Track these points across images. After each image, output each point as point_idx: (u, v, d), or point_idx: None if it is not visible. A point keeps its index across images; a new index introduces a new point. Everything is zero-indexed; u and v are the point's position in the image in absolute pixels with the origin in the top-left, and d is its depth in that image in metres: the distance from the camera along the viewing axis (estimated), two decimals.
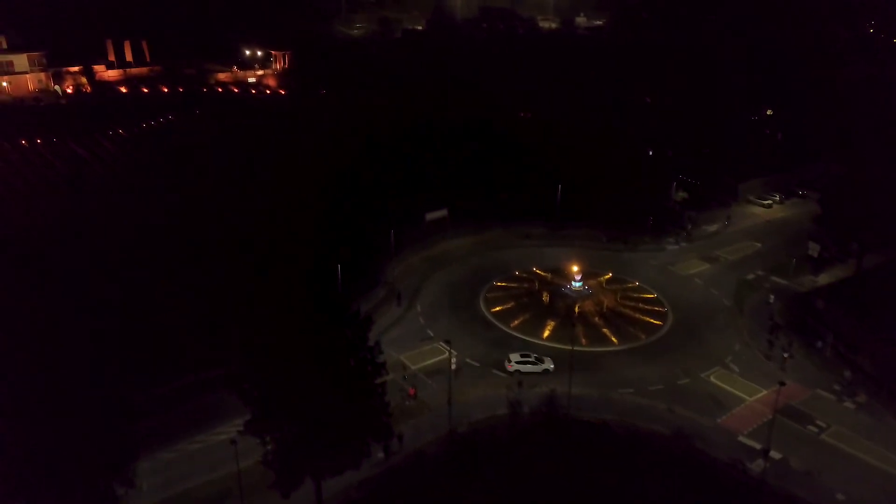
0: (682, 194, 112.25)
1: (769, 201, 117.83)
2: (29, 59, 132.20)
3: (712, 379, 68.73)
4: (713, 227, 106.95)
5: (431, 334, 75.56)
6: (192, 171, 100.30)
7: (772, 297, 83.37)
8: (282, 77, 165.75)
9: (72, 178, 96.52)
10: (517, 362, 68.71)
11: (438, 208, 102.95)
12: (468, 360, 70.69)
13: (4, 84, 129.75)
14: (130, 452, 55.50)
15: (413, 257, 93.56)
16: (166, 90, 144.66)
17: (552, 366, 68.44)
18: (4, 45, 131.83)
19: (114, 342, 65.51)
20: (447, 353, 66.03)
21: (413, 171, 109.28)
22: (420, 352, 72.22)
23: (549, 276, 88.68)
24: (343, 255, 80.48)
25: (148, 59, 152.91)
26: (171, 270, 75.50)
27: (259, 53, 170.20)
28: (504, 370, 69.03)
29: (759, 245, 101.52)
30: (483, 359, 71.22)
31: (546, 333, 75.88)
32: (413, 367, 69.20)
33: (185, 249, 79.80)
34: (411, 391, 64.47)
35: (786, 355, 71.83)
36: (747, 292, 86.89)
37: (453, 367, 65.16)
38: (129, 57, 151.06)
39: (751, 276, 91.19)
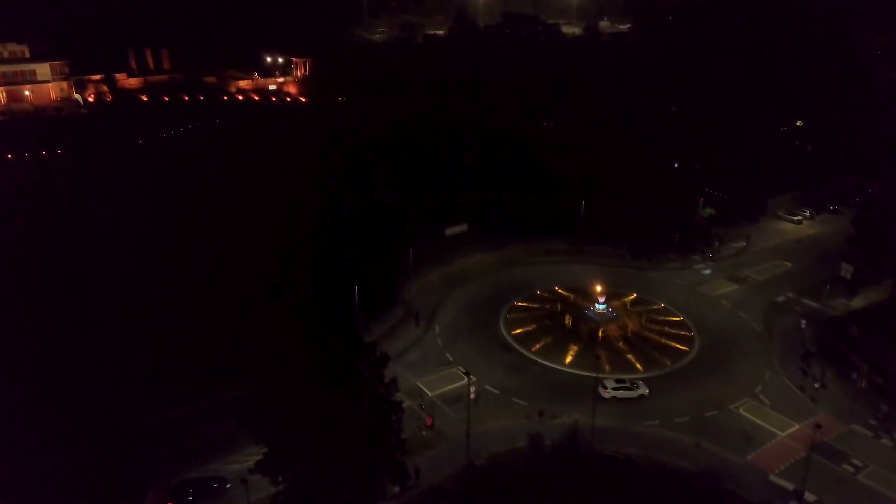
0: (708, 210, 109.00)
1: (799, 217, 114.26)
2: (51, 67, 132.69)
3: (741, 411, 66.05)
4: (740, 244, 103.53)
5: (450, 358, 73.65)
6: (206, 187, 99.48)
7: (803, 322, 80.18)
8: (302, 84, 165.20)
9: (87, 194, 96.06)
10: (613, 388, 66.81)
11: (458, 223, 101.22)
12: (488, 386, 68.68)
13: (27, 93, 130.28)
14: (142, 482, 54.84)
15: (432, 274, 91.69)
16: (186, 98, 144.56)
17: (647, 390, 67.11)
18: (27, 55, 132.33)
19: (127, 365, 65.19)
20: (466, 379, 64.12)
21: (432, 184, 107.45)
22: (438, 377, 70.32)
23: (571, 296, 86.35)
24: (360, 274, 79.04)
25: (168, 67, 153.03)
26: (186, 290, 74.52)
27: (280, 60, 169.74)
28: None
29: (788, 265, 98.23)
30: (503, 385, 69.16)
31: (568, 359, 73.64)
32: (430, 394, 67.35)
33: (200, 268, 78.90)
34: (428, 421, 62.66)
35: (817, 385, 69.03)
36: (777, 316, 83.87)
37: (472, 396, 63.17)
38: (150, 65, 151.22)
39: (780, 299, 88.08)
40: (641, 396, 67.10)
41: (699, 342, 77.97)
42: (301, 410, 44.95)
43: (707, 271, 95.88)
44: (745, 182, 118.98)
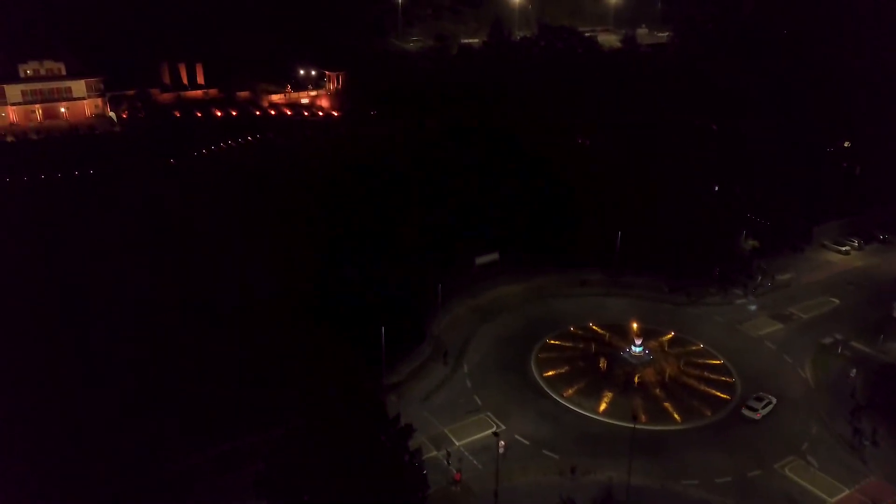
0: (751, 242, 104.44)
1: (847, 247, 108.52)
2: (87, 84, 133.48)
3: (787, 471, 62.31)
4: (783, 277, 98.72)
5: (479, 402, 71.15)
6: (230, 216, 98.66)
7: (853, 370, 75.81)
8: (335, 97, 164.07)
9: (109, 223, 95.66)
10: (762, 408, 69.71)
11: (489, 251, 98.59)
12: (517, 436, 66.00)
13: (63, 110, 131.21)
14: None
15: (461, 307, 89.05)
16: (220, 114, 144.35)
17: (775, 399, 70.88)
18: (63, 72, 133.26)
19: (147, 404, 64.35)
20: (495, 428, 61.77)
21: (463, 209, 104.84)
22: (466, 424, 67.84)
23: (606, 334, 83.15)
24: (387, 307, 77.23)
25: (202, 82, 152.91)
26: (207, 329, 73.56)
27: (313, 73, 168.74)
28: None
29: (836, 301, 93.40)
30: (533, 435, 66.40)
31: (602, 406, 70.57)
32: (457, 444, 64.91)
33: (220, 305, 78.00)
34: (457, 476, 60.23)
35: (866, 442, 64.86)
36: (825, 361, 79.45)
37: (501, 450, 60.67)
38: (184, 80, 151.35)
39: (828, 340, 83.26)
40: (773, 407, 70.73)
41: (741, 389, 74.22)
42: (321, 480, 43.09)
43: (752, 307, 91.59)
44: (789, 207, 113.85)
